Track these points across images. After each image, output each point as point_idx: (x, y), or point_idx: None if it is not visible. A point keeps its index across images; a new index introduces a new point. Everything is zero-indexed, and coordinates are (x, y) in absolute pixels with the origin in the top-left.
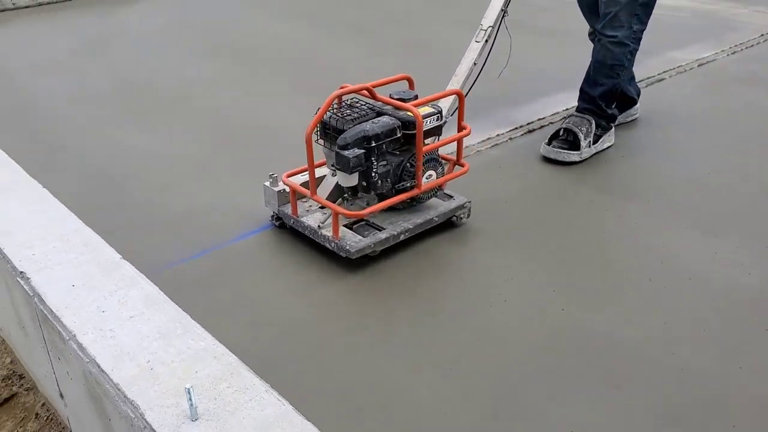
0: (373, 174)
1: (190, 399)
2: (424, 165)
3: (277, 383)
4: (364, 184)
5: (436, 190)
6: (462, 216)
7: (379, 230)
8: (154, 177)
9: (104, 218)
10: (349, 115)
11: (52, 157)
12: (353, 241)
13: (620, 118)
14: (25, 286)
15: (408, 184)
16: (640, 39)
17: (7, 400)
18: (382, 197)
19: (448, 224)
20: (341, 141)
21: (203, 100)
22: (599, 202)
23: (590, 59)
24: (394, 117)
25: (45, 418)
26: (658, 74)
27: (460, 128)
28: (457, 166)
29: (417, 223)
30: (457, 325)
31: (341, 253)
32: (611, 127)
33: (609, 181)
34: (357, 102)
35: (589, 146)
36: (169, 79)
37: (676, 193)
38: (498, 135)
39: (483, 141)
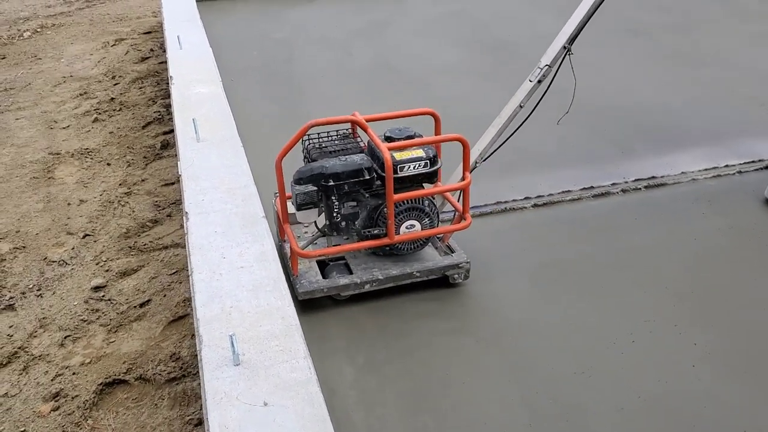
0: (335, 214)
1: (233, 346)
2: (404, 213)
3: None
4: (328, 223)
5: (425, 241)
6: (456, 277)
7: (350, 274)
8: None
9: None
10: (329, 147)
11: (293, 120)
12: (307, 281)
13: None
14: (185, 224)
15: (376, 231)
16: None
17: (180, 317)
18: (363, 239)
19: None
20: (296, 175)
21: (436, 88)
22: None
23: None
24: (371, 156)
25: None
26: None
27: (463, 178)
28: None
29: (390, 275)
30: (562, 350)
31: (295, 291)
32: None
33: None
34: (350, 134)
35: None
36: (417, 64)
37: None
38: (726, 166)
39: (705, 170)
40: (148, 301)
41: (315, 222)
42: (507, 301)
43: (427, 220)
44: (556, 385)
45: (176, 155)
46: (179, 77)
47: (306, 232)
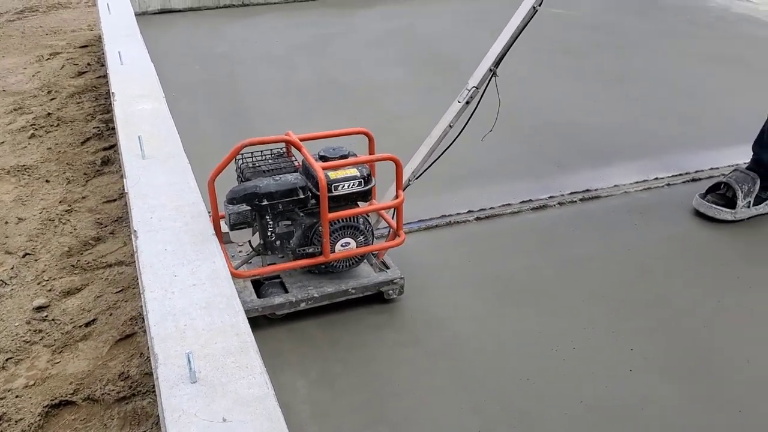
0: (269, 234)
1: (190, 363)
2: (339, 231)
3: None
4: (262, 242)
5: (360, 258)
6: (391, 292)
7: (286, 292)
8: None
9: None
10: (262, 166)
11: (237, 136)
12: (242, 301)
13: None
14: (134, 242)
15: (311, 250)
16: None
17: (128, 336)
18: (299, 258)
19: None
20: (229, 194)
21: (382, 105)
22: (734, 268)
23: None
24: (306, 176)
25: (146, 357)
26: None
27: (396, 196)
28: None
29: (326, 293)
30: (508, 359)
31: None
32: None
33: (759, 249)
34: (284, 153)
35: (749, 207)
36: (363, 80)
37: None
38: (656, 179)
39: (636, 182)
40: (94, 320)
41: (249, 241)
42: (455, 313)
43: (362, 237)
44: (503, 392)
45: (120, 172)
46: (121, 93)
47: (240, 251)
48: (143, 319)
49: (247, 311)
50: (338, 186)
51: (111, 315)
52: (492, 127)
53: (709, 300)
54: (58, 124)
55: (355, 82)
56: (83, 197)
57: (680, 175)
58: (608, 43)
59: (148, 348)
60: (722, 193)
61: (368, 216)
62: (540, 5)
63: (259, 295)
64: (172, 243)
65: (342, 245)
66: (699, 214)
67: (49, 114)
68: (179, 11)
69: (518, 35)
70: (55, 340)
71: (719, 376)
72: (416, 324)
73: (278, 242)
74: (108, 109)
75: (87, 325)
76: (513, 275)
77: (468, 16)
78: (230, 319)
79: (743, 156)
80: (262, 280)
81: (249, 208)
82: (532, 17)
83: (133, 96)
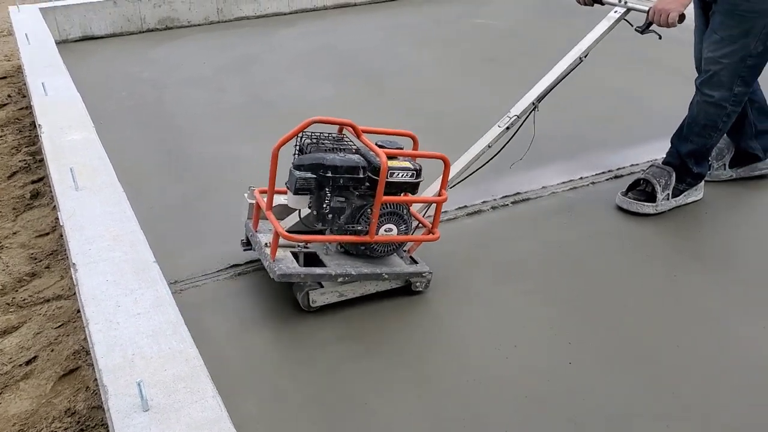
0: (324, 205)
1: (141, 392)
2: (384, 217)
3: None
4: (315, 213)
5: (396, 247)
6: (419, 285)
7: (322, 266)
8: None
9: (188, 220)
10: (325, 145)
11: (169, 160)
12: (285, 266)
13: (741, 172)
14: (73, 276)
15: (359, 228)
16: (741, 102)
17: (72, 371)
18: (344, 234)
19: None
20: (298, 161)
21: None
22: (660, 258)
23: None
24: (365, 158)
25: (93, 391)
26: None
27: (440, 194)
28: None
29: (362, 272)
30: (456, 361)
31: (270, 274)
32: (698, 183)
33: (681, 239)
34: (345, 138)
35: (668, 199)
36: (293, 98)
37: (751, 263)
38: (581, 178)
39: (563, 183)
40: (35, 357)
41: (299, 212)
42: (405, 319)
43: (403, 226)
44: (453, 394)
45: (51, 205)
46: (48, 125)
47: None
48: (87, 352)
49: (290, 275)
50: (394, 173)
51: (52, 351)
52: (523, 155)
53: (638, 290)
54: None
55: (284, 100)
56: (14, 233)
57: (603, 173)
58: (529, 51)
59: (94, 381)
60: (642, 189)
61: (410, 208)
62: (586, 56)
63: None
64: (113, 273)
65: (385, 230)
66: (624, 210)
67: None
68: (101, 37)
69: (563, 78)
70: None
71: (652, 363)
72: (370, 333)
73: (330, 216)
74: (34, 141)
75: (27, 363)
76: (453, 280)
77: (388, 31)
78: (178, 345)
79: (660, 152)
80: (297, 255)
81: (314, 176)
82: (577, 66)
83: (61, 127)
